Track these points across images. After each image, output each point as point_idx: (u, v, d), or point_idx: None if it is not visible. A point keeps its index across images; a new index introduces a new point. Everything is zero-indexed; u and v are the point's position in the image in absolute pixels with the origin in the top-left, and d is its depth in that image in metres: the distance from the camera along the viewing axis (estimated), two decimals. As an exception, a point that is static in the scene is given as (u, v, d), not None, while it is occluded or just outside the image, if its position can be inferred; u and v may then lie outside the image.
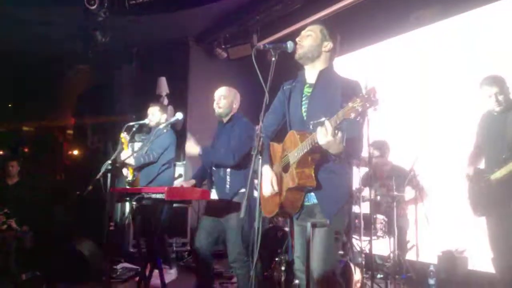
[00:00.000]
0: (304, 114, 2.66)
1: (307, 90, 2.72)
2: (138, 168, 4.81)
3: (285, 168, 2.60)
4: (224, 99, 3.84)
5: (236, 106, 3.87)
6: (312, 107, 2.63)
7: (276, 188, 2.62)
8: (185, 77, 8.05)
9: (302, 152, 2.41)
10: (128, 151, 4.64)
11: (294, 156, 2.49)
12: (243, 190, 3.60)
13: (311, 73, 2.74)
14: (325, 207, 2.51)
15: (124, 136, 4.54)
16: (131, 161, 4.68)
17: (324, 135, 2.25)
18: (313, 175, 2.48)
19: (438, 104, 5.56)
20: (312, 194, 2.58)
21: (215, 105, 3.86)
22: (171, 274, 5.20)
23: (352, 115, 2.09)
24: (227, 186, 3.67)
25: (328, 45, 2.69)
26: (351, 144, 2.42)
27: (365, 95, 2.05)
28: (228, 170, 3.71)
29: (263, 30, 7.10)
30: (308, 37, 2.70)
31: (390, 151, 5.16)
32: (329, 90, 2.59)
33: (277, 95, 2.89)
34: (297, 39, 2.71)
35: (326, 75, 2.68)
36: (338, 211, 2.50)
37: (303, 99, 2.70)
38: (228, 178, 3.70)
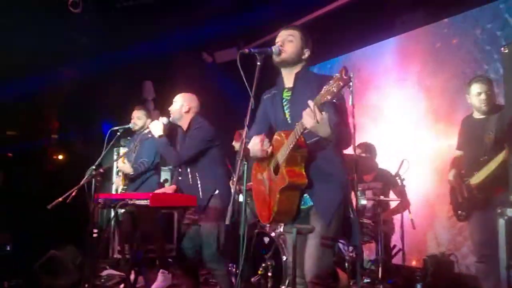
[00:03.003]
0: (288, 117, 2.67)
1: (286, 94, 2.74)
2: (130, 178, 4.81)
3: (276, 170, 2.58)
4: (173, 104, 3.87)
5: (186, 109, 3.83)
6: (294, 109, 2.64)
7: (267, 145, 2.57)
8: (171, 81, 7.97)
9: (289, 148, 2.41)
10: (126, 163, 4.70)
11: (282, 154, 2.48)
12: (217, 192, 3.63)
13: (288, 77, 2.75)
14: (321, 211, 2.52)
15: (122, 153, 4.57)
16: (129, 170, 4.68)
17: (311, 117, 2.23)
18: (304, 173, 2.48)
19: (426, 108, 5.59)
20: (308, 196, 2.57)
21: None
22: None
23: (329, 97, 2.14)
24: (200, 192, 3.65)
25: (307, 52, 2.73)
26: (336, 130, 2.40)
27: (337, 75, 2.10)
28: (197, 174, 3.70)
29: (250, 34, 7.08)
30: (290, 43, 2.69)
31: (376, 155, 5.14)
32: (308, 90, 2.57)
33: (259, 106, 2.90)
34: (278, 42, 2.68)
35: (302, 76, 2.70)
36: (333, 216, 2.50)
37: (284, 103, 2.72)
38: (199, 182, 3.69)
